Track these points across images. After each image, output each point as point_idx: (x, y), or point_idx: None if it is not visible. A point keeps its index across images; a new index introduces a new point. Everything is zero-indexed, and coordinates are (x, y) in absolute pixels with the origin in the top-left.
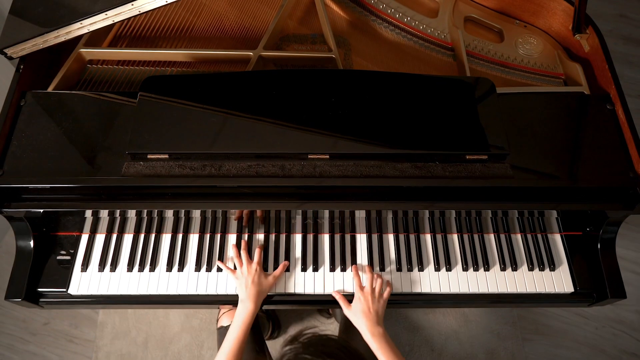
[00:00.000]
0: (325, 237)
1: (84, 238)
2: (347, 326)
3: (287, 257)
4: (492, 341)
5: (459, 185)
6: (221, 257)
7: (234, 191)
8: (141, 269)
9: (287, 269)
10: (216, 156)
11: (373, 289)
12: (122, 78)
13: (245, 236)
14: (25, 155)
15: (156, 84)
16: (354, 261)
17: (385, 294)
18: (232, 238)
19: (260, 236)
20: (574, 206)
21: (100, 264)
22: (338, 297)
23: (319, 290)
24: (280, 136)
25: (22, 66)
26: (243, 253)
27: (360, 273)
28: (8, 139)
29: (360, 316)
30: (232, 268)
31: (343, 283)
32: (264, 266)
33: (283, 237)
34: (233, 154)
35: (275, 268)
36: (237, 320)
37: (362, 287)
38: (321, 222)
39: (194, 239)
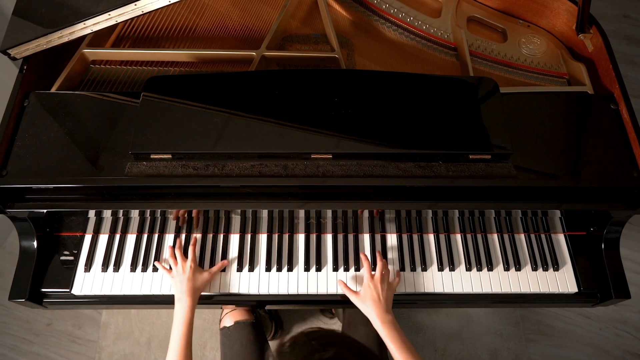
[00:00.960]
0: (328, 237)
1: (87, 238)
2: (350, 324)
3: (290, 257)
4: (496, 341)
5: (462, 184)
6: (224, 257)
7: (237, 191)
8: (144, 269)
9: (290, 269)
10: (219, 156)
11: (383, 277)
12: (125, 78)
13: (249, 236)
14: (28, 155)
15: (159, 84)
16: (357, 261)
17: (395, 283)
18: (234, 238)
19: (263, 236)
20: (578, 206)
21: (103, 264)
22: (342, 287)
23: (322, 290)
24: (283, 136)
25: (25, 67)
26: (177, 252)
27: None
28: (12, 139)
29: (370, 304)
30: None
31: (346, 282)
32: (267, 267)
33: (286, 237)
34: (236, 153)
35: (278, 269)
36: (178, 318)
37: (372, 275)
38: (324, 222)
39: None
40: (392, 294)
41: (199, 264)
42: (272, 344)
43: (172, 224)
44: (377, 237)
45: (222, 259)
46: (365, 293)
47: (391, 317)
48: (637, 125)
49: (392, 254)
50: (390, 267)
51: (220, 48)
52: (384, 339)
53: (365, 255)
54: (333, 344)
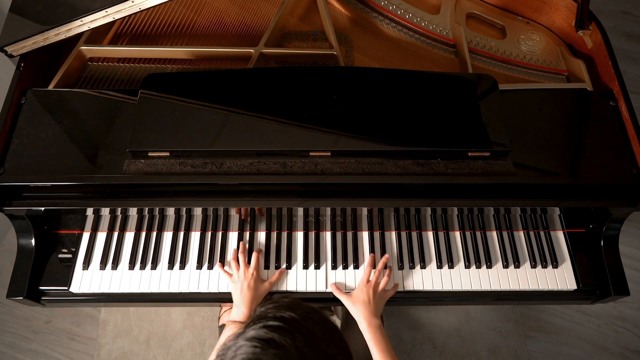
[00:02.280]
0: (327, 235)
1: (86, 236)
2: (349, 322)
3: (289, 254)
4: (495, 339)
5: (461, 182)
6: (222, 255)
7: (235, 189)
8: (143, 267)
9: (289, 267)
10: (217, 154)
11: (377, 284)
12: (122, 76)
13: (247, 234)
14: (26, 153)
15: (157, 81)
16: (355, 259)
17: (389, 293)
18: (233, 236)
19: (261, 234)
20: (577, 203)
21: (101, 262)
22: (334, 289)
23: (321, 288)
24: (282, 133)
25: (22, 64)
26: (240, 256)
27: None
28: (9, 137)
29: (359, 305)
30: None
31: (345, 280)
32: (265, 264)
33: (285, 234)
34: (234, 151)
35: (276, 267)
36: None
37: (368, 280)
38: (323, 219)
39: (195, 236)
40: (384, 301)
41: (197, 261)
42: None
43: (170, 222)
44: (376, 234)
45: (221, 257)
46: (356, 294)
47: (378, 322)
48: (637, 122)
49: (391, 252)
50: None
51: (218, 45)
52: (368, 341)
53: (372, 261)
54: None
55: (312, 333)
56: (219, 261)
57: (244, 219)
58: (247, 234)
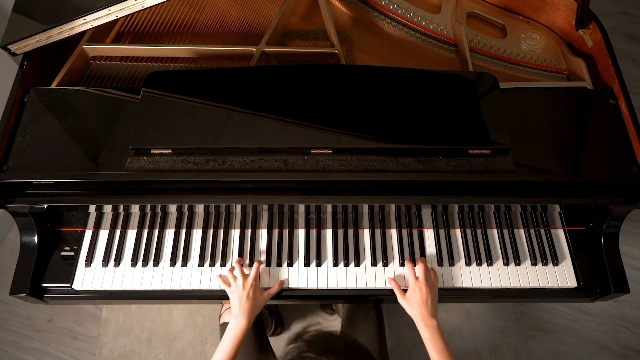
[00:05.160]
0: (329, 232)
1: (88, 234)
2: (350, 321)
3: (290, 252)
4: (495, 337)
5: (462, 179)
6: (224, 253)
7: (237, 186)
8: (145, 264)
9: (291, 264)
10: (219, 151)
11: (427, 279)
12: (125, 74)
13: (249, 231)
14: (29, 150)
15: (159, 79)
16: (357, 256)
17: (437, 286)
18: (235, 233)
19: (263, 231)
20: (577, 201)
21: (104, 260)
22: (393, 285)
23: (322, 285)
24: (283, 131)
25: (25, 62)
26: (237, 266)
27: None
28: (12, 134)
29: (416, 306)
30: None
31: (346, 277)
32: (267, 262)
33: (286, 232)
34: (236, 149)
35: (278, 264)
36: (229, 336)
37: (417, 278)
38: (324, 217)
39: (197, 234)
40: (437, 296)
41: (199, 258)
42: (272, 340)
43: (172, 219)
44: (377, 232)
45: (222, 255)
46: (411, 296)
47: (436, 323)
48: (637, 120)
49: (391, 250)
50: (390, 271)
51: (220, 44)
52: (425, 341)
53: (410, 261)
54: (336, 353)
55: None
56: (220, 259)
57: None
58: (248, 232)
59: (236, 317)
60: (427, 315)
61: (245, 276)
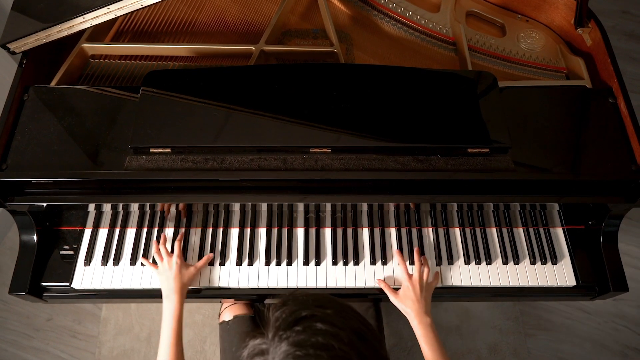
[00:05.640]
0: (328, 231)
1: (87, 232)
2: None
3: (289, 251)
4: (494, 336)
5: (461, 178)
6: (223, 251)
7: (236, 185)
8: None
9: (290, 263)
10: (218, 150)
11: (421, 277)
12: (124, 73)
13: (248, 230)
14: (28, 149)
15: (158, 78)
16: (356, 255)
17: (434, 283)
18: (234, 232)
19: (262, 230)
20: (576, 199)
21: (103, 259)
22: (383, 286)
23: (321, 284)
24: (282, 130)
25: (24, 61)
26: (162, 247)
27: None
28: (11, 133)
29: (410, 304)
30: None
31: (345, 276)
32: (266, 261)
33: (285, 231)
34: (235, 147)
35: (277, 263)
36: (167, 315)
37: (410, 275)
38: (323, 215)
39: (196, 233)
40: (431, 294)
41: (199, 258)
42: None
43: (172, 218)
44: (376, 231)
45: (221, 254)
46: (404, 293)
47: (429, 320)
48: (636, 118)
49: (390, 248)
50: (389, 270)
51: (219, 42)
52: (419, 338)
53: (400, 253)
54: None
55: (348, 323)
56: (219, 258)
57: (243, 215)
58: (247, 231)
59: (167, 297)
60: (421, 313)
61: (169, 255)
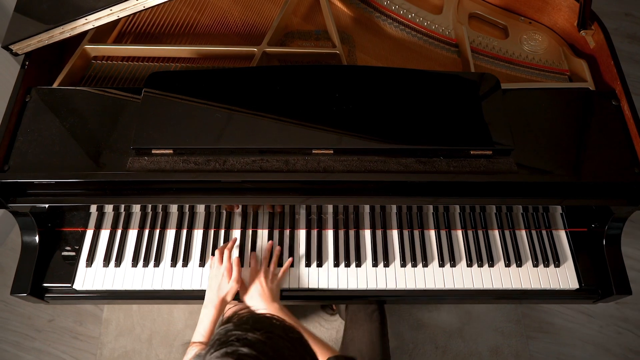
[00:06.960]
0: (330, 233)
1: (89, 234)
2: (353, 322)
3: (291, 252)
4: (497, 339)
5: (464, 180)
6: (241, 253)
7: (238, 186)
8: (146, 264)
9: (291, 264)
10: (220, 151)
11: (267, 270)
12: (126, 74)
13: (249, 232)
14: (30, 150)
15: (160, 79)
16: (358, 257)
17: (281, 274)
18: (236, 234)
19: (264, 232)
20: (579, 202)
21: (105, 260)
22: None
23: (323, 286)
24: (284, 131)
25: (27, 62)
26: (226, 252)
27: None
28: (14, 134)
29: (257, 297)
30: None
31: (347, 278)
32: (267, 263)
33: (287, 232)
34: (237, 149)
35: (279, 265)
36: (204, 323)
37: (257, 271)
38: (325, 217)
39: (198, 234)
40: (278, 285)
41: (202, 259)
42: None
43: (173, 219)
44: (378, 233)
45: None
46: (252, 290)
47: (277, 305)
48: (639, 120)
49: (392, 251)
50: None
51: (221, 44)
52: None
53: (254, 254)
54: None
55: (279, 353)
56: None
57: (244, 217)
58: (249, 232)
59: (206, 307)
60: (269, 302)
61: (230, 268)
